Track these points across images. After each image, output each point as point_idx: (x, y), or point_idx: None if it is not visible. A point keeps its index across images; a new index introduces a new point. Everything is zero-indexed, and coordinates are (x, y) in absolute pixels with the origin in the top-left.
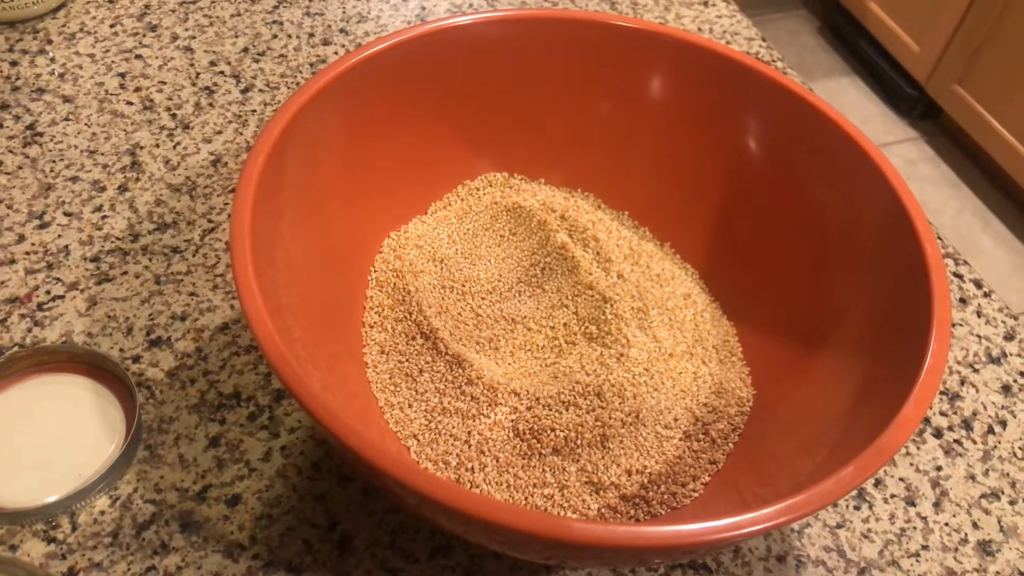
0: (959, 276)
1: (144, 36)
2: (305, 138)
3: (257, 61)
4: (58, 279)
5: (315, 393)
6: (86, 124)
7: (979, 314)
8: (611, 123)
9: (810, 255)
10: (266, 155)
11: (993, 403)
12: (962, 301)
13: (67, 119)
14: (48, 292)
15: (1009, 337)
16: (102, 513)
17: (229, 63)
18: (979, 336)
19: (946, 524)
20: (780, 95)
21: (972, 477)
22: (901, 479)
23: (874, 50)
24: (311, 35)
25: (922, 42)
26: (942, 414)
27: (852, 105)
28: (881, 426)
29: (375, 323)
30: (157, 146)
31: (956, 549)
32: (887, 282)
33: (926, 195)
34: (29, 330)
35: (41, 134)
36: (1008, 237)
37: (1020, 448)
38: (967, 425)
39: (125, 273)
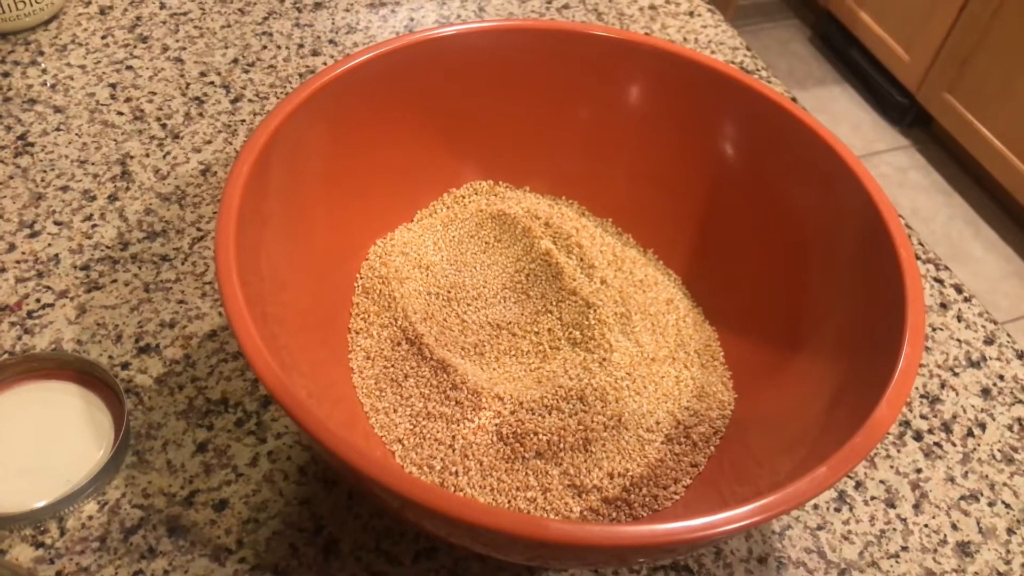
0: (940, 281)
1: (135, 47)
2: (291, 147)
3: (247, 72)
4: (48, 287)
5: (300, 399)
6: (77, 134)
7: (959, 318)
8: (594, 131)
9: (789, 261)
10: (251, 164)
11: (972, 406)
12: (943, 306)
13: (58, 129)
14: (38, 300)
15: (989, 341)
16: (90, 518)
17: (219, 73)
18: (959, 340)
19: (926, 525)
20: (758, 103)
21: (951, 479)
22: (881, 481)
23: (865, 59)
24: (300, 46)
25: (912, 51)
26: (922, 417)
27: (843, 113)
28: (855, 427)
29: (361, 329)
30: (147, 156)
31: (935, 550)
32: (863, 286)
33: (917, 202)
34: (19, 338)
35: (32, 144)
36: (999, 244)
37: (999, 451)
38: (947, 428)
39: (115, 281)
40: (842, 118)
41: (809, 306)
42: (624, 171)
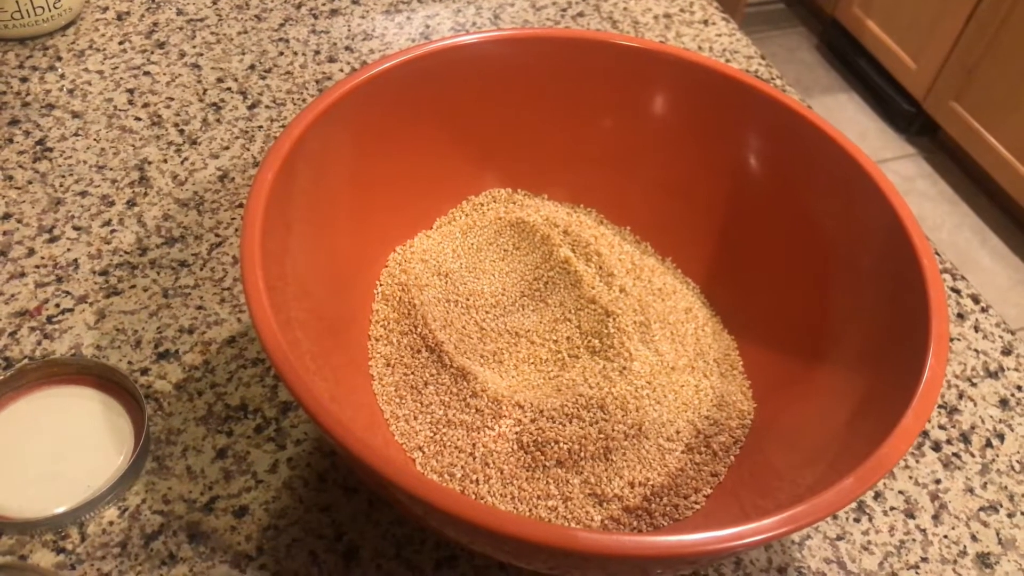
0: (957, 291)
1: (152, 53)
2: (314, 154)
3: (264, 78)
4: (67, 292)
5: (325, 404)
6: (95, 139)
7: (977, 329)
8: (613, 140)
9: (810, 270)
10: (276, 171)
11: (991, 417)
12: (960, 316)
13: (76, 134)
14: (58, 305)
15: (1007, 352)
16: (111, 524)
17: (236, 80)
18: (977, 351)
19: (945, 536)
20: (779, 113)
21: (971, 490)
22: (900, 492)
23: (872, 67)
24: (317, 52)
25: (919, 59)
26: (941, 428)
27: (850, 121)
28: (880, 438)
29: (381, 336)
30: (165, 161)
31: (955, 561)
32: (886, 296)
33: (924, 211)
34: (39, 343)
35: (51, 149)
36: (1006, 252)
37: (1018, 461)
38: (965, 439)
39: (133, 287)
40: (849, 126)
41: (830, 316)
42: (643, 180)
